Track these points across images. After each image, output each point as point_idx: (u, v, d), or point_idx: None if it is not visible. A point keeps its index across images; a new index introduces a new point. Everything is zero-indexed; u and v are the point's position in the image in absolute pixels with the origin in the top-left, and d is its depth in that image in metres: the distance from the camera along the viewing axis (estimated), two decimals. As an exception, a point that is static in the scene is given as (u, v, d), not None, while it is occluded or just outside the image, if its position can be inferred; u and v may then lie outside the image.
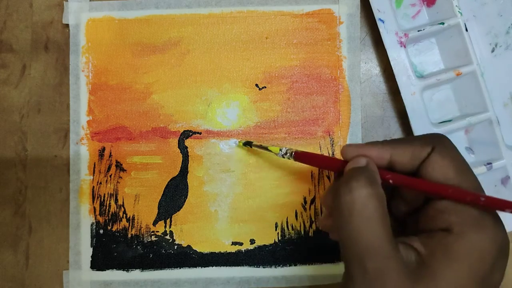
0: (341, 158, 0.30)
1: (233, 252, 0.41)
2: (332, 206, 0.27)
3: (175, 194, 0.41)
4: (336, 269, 0.41)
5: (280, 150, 0.35)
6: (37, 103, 0.42)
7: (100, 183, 0.42)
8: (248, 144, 0.39)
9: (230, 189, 0.41)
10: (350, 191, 0.25)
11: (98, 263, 0.41)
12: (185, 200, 0.41)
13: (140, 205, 0.41)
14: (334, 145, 0.41)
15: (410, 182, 0.27)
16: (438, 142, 0.28)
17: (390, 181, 0.27)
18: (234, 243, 0.41)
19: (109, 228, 0.41)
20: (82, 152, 0.42)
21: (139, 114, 0.42)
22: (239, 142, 0.41)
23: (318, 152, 0.41)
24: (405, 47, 0.40)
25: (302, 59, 0.42)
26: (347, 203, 0.25)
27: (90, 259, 0.41)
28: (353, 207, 0.25)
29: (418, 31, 0.40)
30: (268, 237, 0.41)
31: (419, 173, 0.27)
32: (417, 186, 0.27)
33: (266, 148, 0.37)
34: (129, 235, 0.41)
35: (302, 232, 0.41)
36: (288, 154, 0.34)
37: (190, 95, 0.42)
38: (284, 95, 0.42)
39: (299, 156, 0.33)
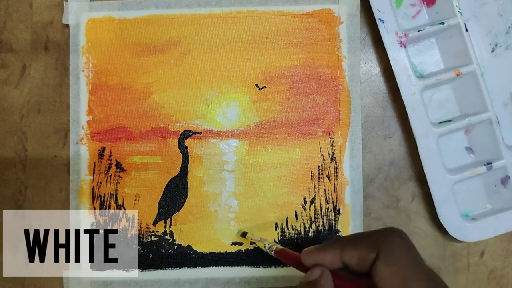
0: None
1: (233, 252, 0.41)
2: None
3: (175, 194, 0.41)
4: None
5: (264, 246, 0.37)
6: (37, 103, 0.42)
7: (100, 183, 0.42)
8: (243, 235, 0.40)
9: (230, 189, 0.41)
10: None
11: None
12: (185, 200, 0.41)
13: (140, 205, 0.41)
14: (334, 145, 0.41)
15: None
16: (384, 244, 0.26)
17: None
18: (234, 243, 0.41)
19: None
20: (82, 152, 0.42)
21: (139, 114, 0.42)
22: (238, 231, 0.41)
23: (318, 152, 0.41)
24: (405, 47, 0.40)
25: (302, 59, 0.42)
26: None
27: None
28: None
29: (418, 31, 0.40)
30: (268, 237, 0.41)
31: (372, 277, 0.27)
32: None
33: (255, 243, 0.39)
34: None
35: (302, 232, 0.41)
36: (270, 250, 0.36)
37: (190, 95, 0.42)
38: (284, 95, 0.42)
39: (278, 253, 0.35)
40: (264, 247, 0.37)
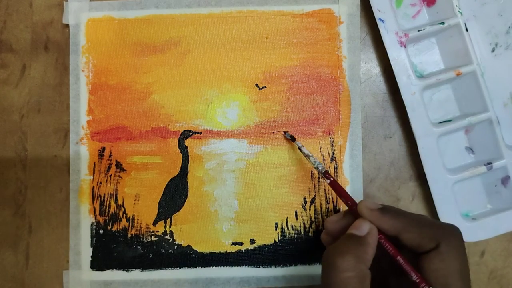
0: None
1: (233, 252, 0.41)
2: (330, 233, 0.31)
3: (175, 194, 0.41)
4: (336, 269, 0.41)
5: (315, 164, 0.37)
6: (37, 103, 0.42)
7: (100, 183, 0.42)
8: (292, 139, 0.41)
9: (230, 189, 0.41)
10: (334, 268, 0.28)
11: (98, 263, 0.41)
12: (185, 200, 0.41)
13: (140, 205, 0.41)
14: (334, 145, 0.41)
15: (401, 265, 0.29)
16: (445, 241, 0.29)
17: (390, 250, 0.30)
18: (234, 243, 0.41)
19: (109, 228, 0.41)
20: (82, 152, 0.42)
21: (139, 114, 0.42)
22: (287, 133, 0.41)
23: (318, 152, 0.41)
24: (405, 47, 0.40)
25: (302, 59, 0.42)
26: (330, 277, 0.28)
27: (90, 259, 0.41)
28: (335, 282, 0.28)
29: (418, 31, 0.40)
30: (268, 237, 0.41)
31: (421, 261, 0.29)
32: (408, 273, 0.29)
33: (306, 156, 0.39)
34: (129, 235, 0.41)
35: (302, 232, 0.41)
36: (318, 170, 0.37)
37: (190, 95, 0.42)
38: (284, 95, 0.42)
39: (332, 184, 0.36)
40: (314, 164, 0.37)
